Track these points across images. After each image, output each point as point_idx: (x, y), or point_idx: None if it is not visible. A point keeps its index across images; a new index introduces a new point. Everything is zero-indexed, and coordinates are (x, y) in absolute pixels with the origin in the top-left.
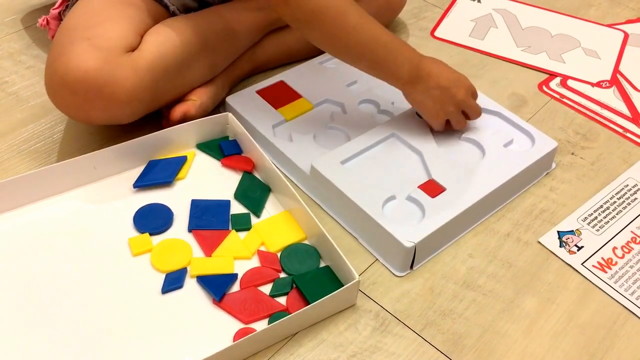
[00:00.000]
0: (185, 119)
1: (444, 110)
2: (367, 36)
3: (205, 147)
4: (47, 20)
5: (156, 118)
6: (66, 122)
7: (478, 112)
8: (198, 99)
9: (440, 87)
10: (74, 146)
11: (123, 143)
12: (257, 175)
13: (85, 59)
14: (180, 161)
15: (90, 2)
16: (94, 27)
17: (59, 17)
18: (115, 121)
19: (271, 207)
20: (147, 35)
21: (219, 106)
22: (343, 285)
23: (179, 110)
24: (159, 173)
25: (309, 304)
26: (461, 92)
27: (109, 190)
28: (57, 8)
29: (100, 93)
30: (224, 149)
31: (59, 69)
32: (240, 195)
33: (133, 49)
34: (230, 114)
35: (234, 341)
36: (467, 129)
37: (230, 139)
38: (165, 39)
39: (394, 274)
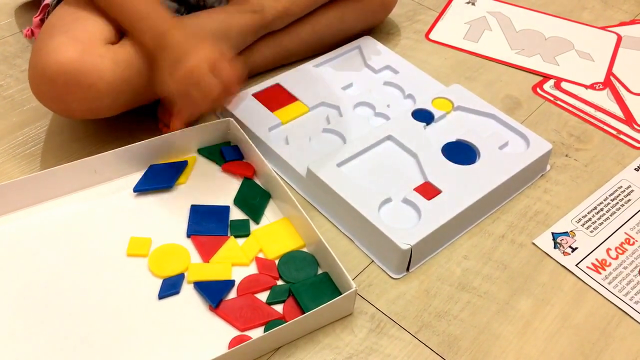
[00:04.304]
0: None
1: (172, 78)
2: None
3: (207, 152)
4: (31, 30)
5: (157, 122)
6: (62, 126)
7: (227, 75)
8: None
9: (177, 58)
10: (70, 150)
11: (124, 147)
12: (257, 181)
13: (63, 50)
14: (181, 166)
15: (70, 4)
16: (73, 22)
17: (41, 25)
18: (95, 114)
19: (270, 214)
20: None
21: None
22: (341, 293)
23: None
24: (160, 177)
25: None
26: (195, 58)
27: (109, 194)
28: (38, 15)
29: (79, 83)
30: (225, 154)
31: (39, 62)
32: (240, 201)
33: (113, 44)
34: (231, 120)
35: (229, 349)
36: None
37: (231, 144)
38: None
39: (390, 276)
